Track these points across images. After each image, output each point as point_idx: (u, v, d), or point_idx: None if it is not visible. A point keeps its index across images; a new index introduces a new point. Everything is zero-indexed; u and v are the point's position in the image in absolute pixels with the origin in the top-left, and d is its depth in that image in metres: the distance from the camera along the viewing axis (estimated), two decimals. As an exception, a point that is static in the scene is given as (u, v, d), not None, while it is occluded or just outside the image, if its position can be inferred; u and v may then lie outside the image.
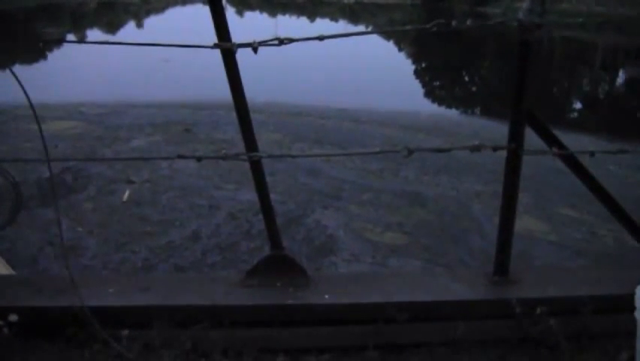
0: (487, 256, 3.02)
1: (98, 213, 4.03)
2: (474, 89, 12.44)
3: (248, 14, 28.88)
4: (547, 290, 1.98)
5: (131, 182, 4.61)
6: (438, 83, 12.50)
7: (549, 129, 1.94)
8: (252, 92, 2.08)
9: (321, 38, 1.72)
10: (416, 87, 11.45)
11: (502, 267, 2.04)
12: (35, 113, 1.77)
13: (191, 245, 3.58)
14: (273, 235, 2.01)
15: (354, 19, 27.93)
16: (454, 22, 1.75)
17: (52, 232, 3.58)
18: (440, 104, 10.25)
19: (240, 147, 1.92)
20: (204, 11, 1.80)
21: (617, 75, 14.60)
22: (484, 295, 2.00)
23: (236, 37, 1.73)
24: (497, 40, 17.23)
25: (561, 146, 1.94)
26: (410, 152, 1.83)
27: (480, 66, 14.91)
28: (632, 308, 1.64)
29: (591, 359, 1.85)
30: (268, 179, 1.98)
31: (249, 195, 4.21)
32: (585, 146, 5.43)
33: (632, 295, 1.64)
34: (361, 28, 24.05)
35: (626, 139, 7.14)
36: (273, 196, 2.02)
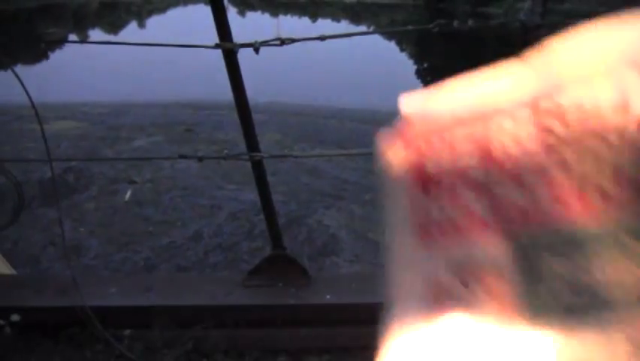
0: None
1: (99, 213, 4.03)
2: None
3: (249, 14, 28.90)
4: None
5: (132, 182, 4.62)
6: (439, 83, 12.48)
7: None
8: (254, 92, 2.08)
9: (322, 38, 1.72)
10: (418, 87, 11.43)
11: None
12: (37, 113, 1.78)
13: (192, 245, 3.58)
14: (275, 235, 2.01)
15: (356, 19, 27.95)
16: (455, 23, 1.75)
17: (54, 232, 3.59)
18: (442, 104, 10.21)
19: (242, 147, 1.92)
20: (206, 11, 1.80)
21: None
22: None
23: (238, 37, 1.73)
24: (499, 40, 17.23)
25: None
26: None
27: (481, 66, 14.89)
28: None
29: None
30: (270, 179, 1.98)
31: (251, 195, 4.21)
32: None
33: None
34: (363, 28, 24.06)
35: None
36: (274, 196, 2.02)
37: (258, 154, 1.87)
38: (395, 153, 0.37)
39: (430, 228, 0.36)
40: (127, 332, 1.80)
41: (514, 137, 0.32)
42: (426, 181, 0.36)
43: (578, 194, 0.30)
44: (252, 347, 1.84)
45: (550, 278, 0.30)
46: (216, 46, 1.72)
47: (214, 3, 1.74)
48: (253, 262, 2.10)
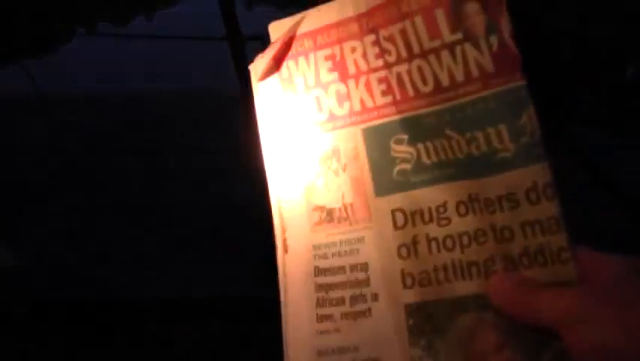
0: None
1: (108, 203, 4.05)
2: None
3: (257, 7, 28.82)
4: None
5: (140, 174, 4.63)
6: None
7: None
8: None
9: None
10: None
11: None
12: (43, 106, 1.78)
13: (199, 238, 3.59)
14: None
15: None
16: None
17: (63, 223, 3.60)
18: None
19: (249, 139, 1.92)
20: (214, 3, 1.80)
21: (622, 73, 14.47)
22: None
23: (246, 30, 1.73)
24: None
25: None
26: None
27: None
28: None
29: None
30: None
31: (258, 187, 4.20)
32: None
33: None
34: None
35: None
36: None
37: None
38: (262, 65, 0.50)
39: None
40: (133, 324, 1.81)
41: (363, 55, 0.44)
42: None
43: (402, 91, 0.43)
44: (258, 340, 1.85)
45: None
46: (223, 38, 1.72)
47: (222, -5, 1.74)
48: (259, 254, 2.10)
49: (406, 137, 0.42)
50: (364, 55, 0.44)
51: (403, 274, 0.41)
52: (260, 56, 0.49)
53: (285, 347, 0.47)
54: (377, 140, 0.44)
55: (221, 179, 4.65)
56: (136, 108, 7.18)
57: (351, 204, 0.44)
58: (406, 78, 0.42)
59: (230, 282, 2.00)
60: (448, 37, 0.41)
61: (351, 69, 0.44)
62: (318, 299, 0.45)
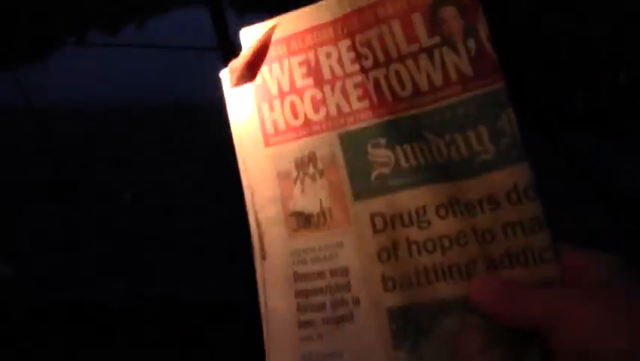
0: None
1: (102, 210, 4.06)
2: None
3: (248, 16, 28.69)
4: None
5: (134, 181, 4.64)
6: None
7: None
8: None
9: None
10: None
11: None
12: (37, 114, 1.81)
13: (194, 238, 3.60)
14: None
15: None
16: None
17: (56, 229, 3.61)
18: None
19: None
20: (206, 13, 1.85)
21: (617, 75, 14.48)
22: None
23: (237, 39, 1.77)
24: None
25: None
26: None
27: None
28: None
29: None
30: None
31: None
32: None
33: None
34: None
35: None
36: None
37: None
38: (235, 72, 0.48)
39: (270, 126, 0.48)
40: (133, 324, 1.82)
41: (339, 60, 0.44)
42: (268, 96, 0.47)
43: (379, 95, 0.42)
44: (258, 340, 1.86)
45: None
46: (215, 47, 1.75)
47: (213, 5, 1.78)
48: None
49: (383, 141, 0.42)
50: (340, 60, 0.44)
51: (384, 278, 0.41)
52: (232, 62, 0.48)
53: (267, 355, 0.46)
54: (354, 144, 0.43)
55: (218, 183, 4.64)
56: (128, 116, 7.16)
57: (330, 209, 0.44)
58: (383, 83, 0.42)
59: (230, 283, 2.03)
60: (425, 41, 0.41)
61: (327, 74, 0.44)
62: (298, 305, 0.44)
